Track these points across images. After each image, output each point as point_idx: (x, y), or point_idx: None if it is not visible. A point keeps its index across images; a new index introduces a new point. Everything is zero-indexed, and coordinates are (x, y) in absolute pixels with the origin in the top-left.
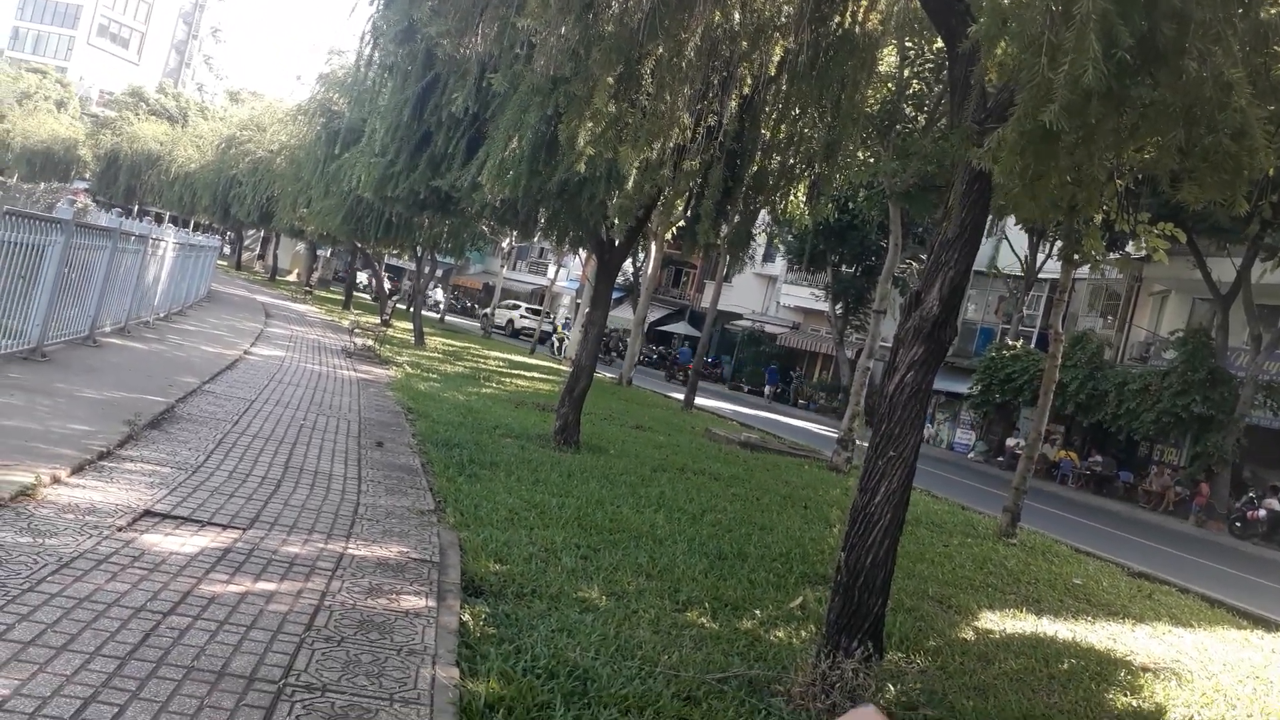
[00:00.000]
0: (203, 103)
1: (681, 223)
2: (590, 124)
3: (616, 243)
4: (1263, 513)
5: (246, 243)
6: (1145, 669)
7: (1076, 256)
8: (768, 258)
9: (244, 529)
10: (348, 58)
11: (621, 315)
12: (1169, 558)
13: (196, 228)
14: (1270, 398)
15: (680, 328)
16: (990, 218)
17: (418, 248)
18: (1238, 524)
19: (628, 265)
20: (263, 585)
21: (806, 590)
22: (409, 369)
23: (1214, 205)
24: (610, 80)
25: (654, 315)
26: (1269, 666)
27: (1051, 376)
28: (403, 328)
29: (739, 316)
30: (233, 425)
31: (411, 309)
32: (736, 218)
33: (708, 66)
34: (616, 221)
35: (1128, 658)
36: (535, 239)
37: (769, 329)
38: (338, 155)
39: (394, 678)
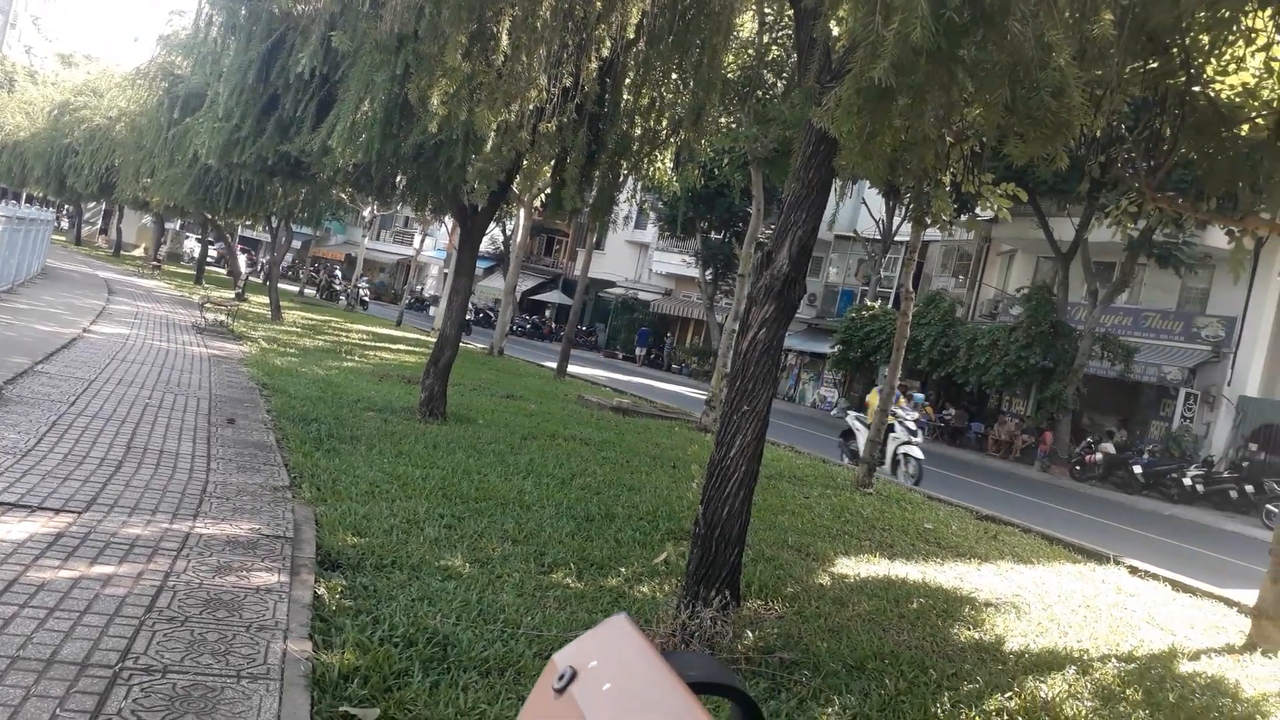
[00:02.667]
0: (31, 67)
1: (547, 189)
2: (443, 82)
3: (479, 209)
4: (1099, 456)
5: (87, 216)
6: (988, 604)
7: (927, 219)
8: (639, 225)
9: (79, 512)
10: (189, 18)
11: (494, 285)
12: (1016, 501)
13: (29, 200)
14: (1106, 349)
15: (554, 296)
16: (843, 180)
17: (272, 218)
18: (1078, 467)
19: (498, 234)
20: (99, 569)
21: (670, 545)
22: (265, 344)
23: (1039, 161)
24: (462, 39)
25: (526, 284)
26: (1099, 595)
27: (903, 333)
28: (258, 301)
29: (612, 284)
30: (69, 406)
31: (267, 282)
32: (601, 183)
33: (564, 27)
34: (476, 186)
35: (972, 595)
36: (395, 207)
37: (642, 296)
38: (181, 121)
39: (242, 654)
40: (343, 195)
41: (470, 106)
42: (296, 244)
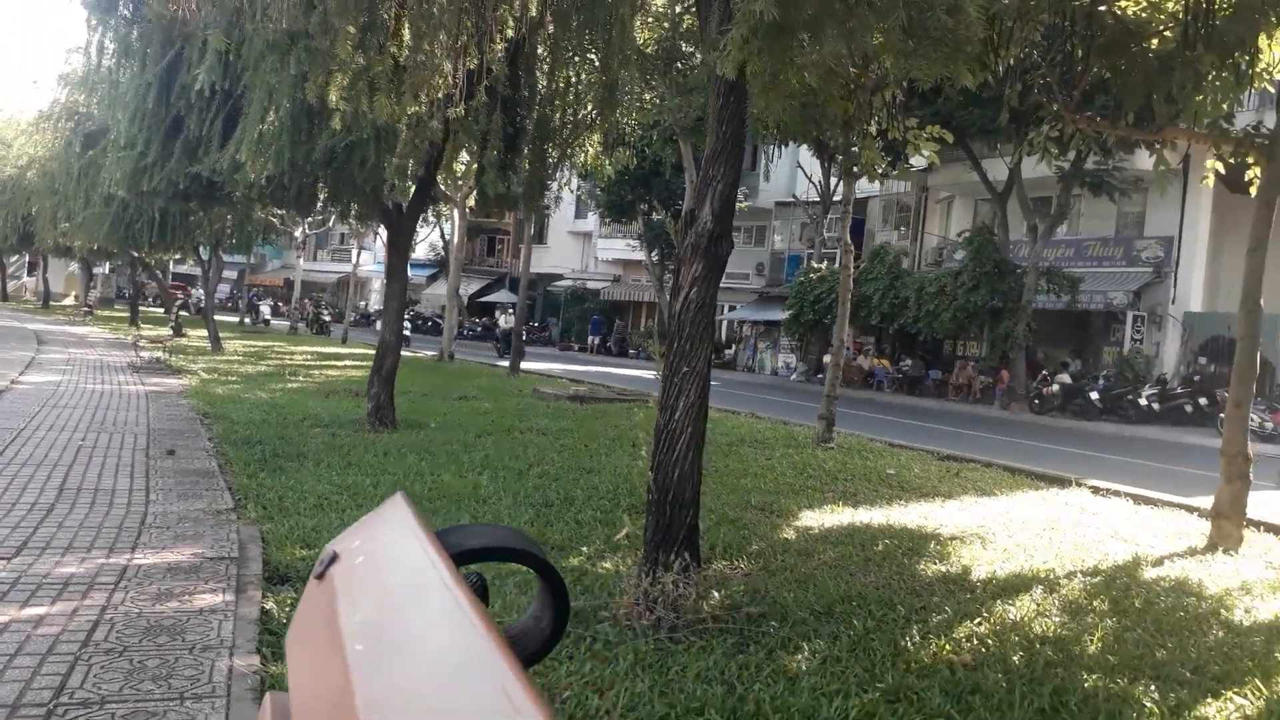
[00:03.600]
0: None
1: (475, 186)
2: (339, 78)
3: (404, 209)
4: (1056, 387)
5: (11, 270)
6: (953, 538)
7: (856, 169)
8: (580, 215)
9: (8, 558)
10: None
11: (439, 291)
12: (978, 440)
13: None
14: (1051, 282)
15: (501, 296)
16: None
17: (200, 248)
18: (1036, 401)
19: (437, 240)
20: (30, 611)
21: (628, 519)
22: (205, 375)
23: (946, 84)
24: (353, 30)
25: (473, 287)
26: (1062, 517)
27: (846, 286)
28: (198, 335)
29: (559, 277)
30: None
31: (204, 315)
32: (529, 170)
33: (462, 9)
34: (395, 183)
35: (937, 531)
36: (318, 218)
37: (591, 285)
38: (89, 158)
39: (185, 676)
40: (266, 215)
41: (370, 100)
42: (232, 274)
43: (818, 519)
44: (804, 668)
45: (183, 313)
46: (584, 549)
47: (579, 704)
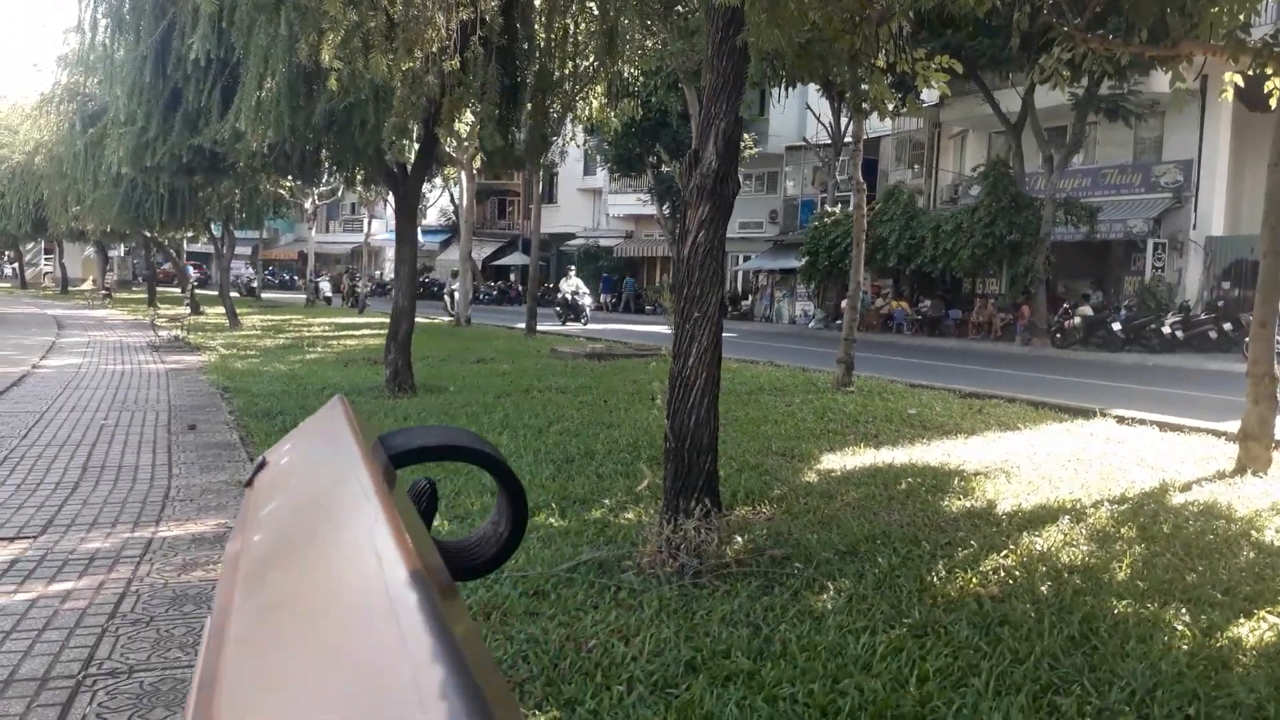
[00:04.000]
0: None
1: (475, 139)
2: (330, 36)
3: (408, 170)
4: (1077, 320)
5: (28, 258)
6: (977, 473)
7: (866, 106)
8: (588, 171)
9: (35, 536)
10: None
11: (452, 257)
12: (1000, 377)
13: None
14: (1069, 213)
15: (515, 259)
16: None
17: (210, 225)
18: (1058, 335)
19: (446, 205)
20: (58, 587)
21: (648, 469)
22: (224, 350)
23: (950, 8)
24: None
25: (486, 250)
26: (1087, 448)
27: (860, 227)
28: (215, 312)
29: (572, 236)
30: (20, 439)
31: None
32: (531, 124)
33: None
34: (394, 141)
35: (960, 467)
36: (323, 186)
37: (603, 243)
38: (95, 139)
39: None
40: (274, 186)
41: (365, 57)
42: (246, 250)
43: (839, 461)
44: (829, 607)
45: (199, 291)
46: (606, 501)
47: (605, 652)
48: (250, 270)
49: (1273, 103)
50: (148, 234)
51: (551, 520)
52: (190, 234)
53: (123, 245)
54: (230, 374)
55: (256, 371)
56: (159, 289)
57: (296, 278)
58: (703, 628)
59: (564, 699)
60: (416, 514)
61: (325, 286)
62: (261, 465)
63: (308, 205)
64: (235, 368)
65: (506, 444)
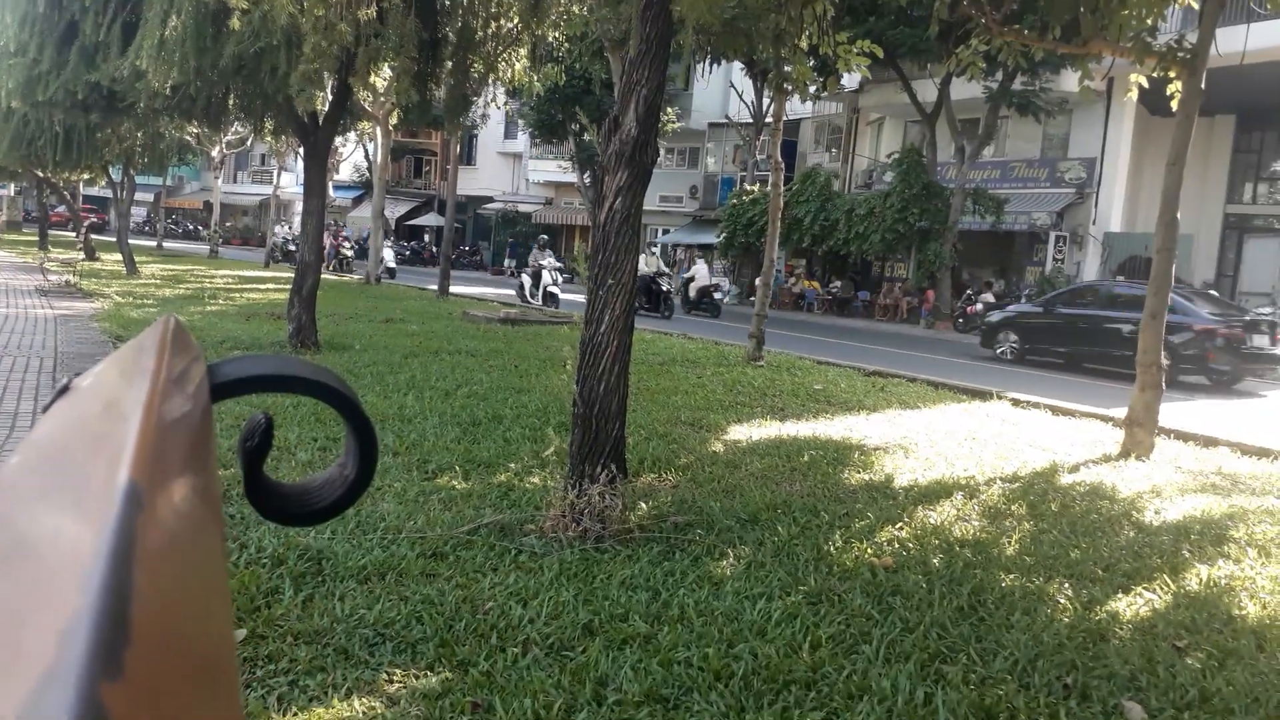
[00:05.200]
0: None
1: (392, 94)
2: None
3: (319, 122)
4: (980, 306)
5: None
6: (877, 449)
7: (787, 86)
8: (509, 135)
9: None
10: None
11: (365, 214)
12: (904, 357)
13: None
14: (978, 203)
15: (430, 219)
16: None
17: (109, 168)
18: (960, 320)
19: (361, 160)
20: None
21: (554, 434)
22: (118, 298)
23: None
24: None
25: (400, 209)
26: (983, 428)
27: (776, 205)
28: (111, 259)
29: (490, 199)
30: None
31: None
32: (451, 82)
33: None
34: (305, 89)
35: (861, 442)
36: (231, 135)
37: (522, 208)
38: None
39: None
40: (178, 132)
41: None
42: (148, 196)
43: (746, 433)
44: (728, 573)
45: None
46: (511, 465)
47: (502, 614)
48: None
49: (1173, 105)
50: (40, 174)
51: (455, 483)
52: (87, 176)
53: (13, 184)
54: (125, 322)
55: (151, 320)
56: (51, 232)
57: (201, 228)
58: (602, 591)
59: (457, 660)
60: (208, 441)
61: (388, 256)
62: (64, 390)
63: (215, 153)
64: (130, 316)
65: (412, 405)
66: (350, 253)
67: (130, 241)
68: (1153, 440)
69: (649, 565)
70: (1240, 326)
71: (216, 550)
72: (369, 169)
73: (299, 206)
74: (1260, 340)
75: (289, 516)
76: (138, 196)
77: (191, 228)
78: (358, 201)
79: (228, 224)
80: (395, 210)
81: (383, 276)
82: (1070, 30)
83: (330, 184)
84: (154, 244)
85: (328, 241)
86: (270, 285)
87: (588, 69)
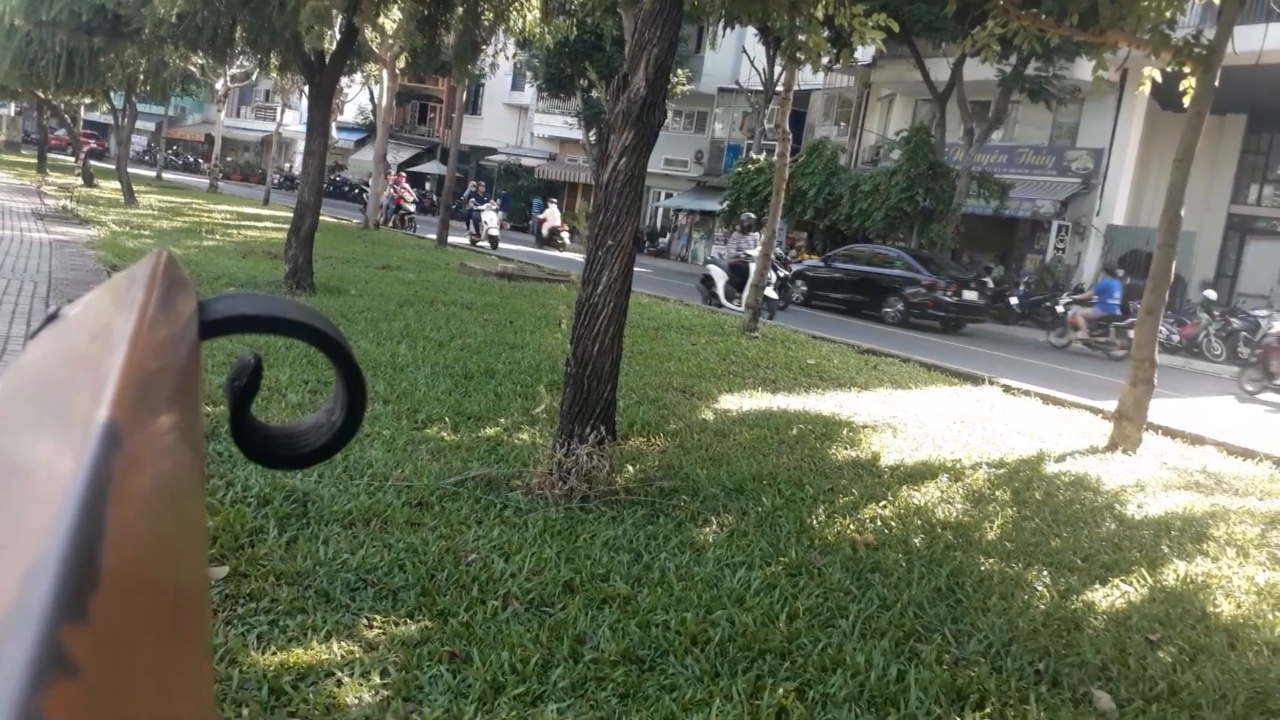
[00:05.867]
0: None
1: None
2: None
3: (326, 61)
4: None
5: None
6: (865, 426)
7: (800, 55)
8: (516, 86)
9: None
10: None
11: (367, 158)
12: (899, 337)
13: None
14: (983, 187)
15: (432, 167)
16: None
17: (111, 93)
18: None
19: (365, 103)
20: None
21: (545, 392)
22: (115, 227)
23: None
24: None
25: (403, 155)
26: (972, 412)
27: (781, 176)
28: (110, 186)
29: (493, 151)
30: None
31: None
32: (461, 29)
33: None
34: (313, 26)
35: (851, 419)
36: (236, 69)
37: (525, 162)
38: None
39: None
40: (182, 61)
41: None
42: (149, 125)
43: (736, 403)
44: (711, 540)
45: (95, 164)
46: (501, 420)
47: (484, 567)
48: (491, 208)
49: (1185, 101)
50: (41, 95)
51: (444, 434)
52: (89, 100)
53: (13, 104)
54: (120, 252)
55: (147, 251)
56: (50, 156)
57: (201, 161)
58: (584, 551)
59: (437, 610)
60: (194, 379)
61: (490, 219)
62: (52, 317)
63: (219, 86)
64: (126, 246)
65: (404, 354)
66: (413, 207)
67: (130, 170)
68: (1140, 435)
69: (633, 528)
70: (955, 284)
71: (195, 491)
72: (373, 112)
73: (301, 145)
74: (969, 295)
75: (274, 459)
76: (139, 125)
77: (192, 160)
78: (360, 144)
79: (228, 159)
80: (397, 156)
81: (484, 246)
82: (1088, 18)
83: (334, 125)
84: (153, 174)
85: (386, 193)
86: (268, 223)
87: (599, 24)
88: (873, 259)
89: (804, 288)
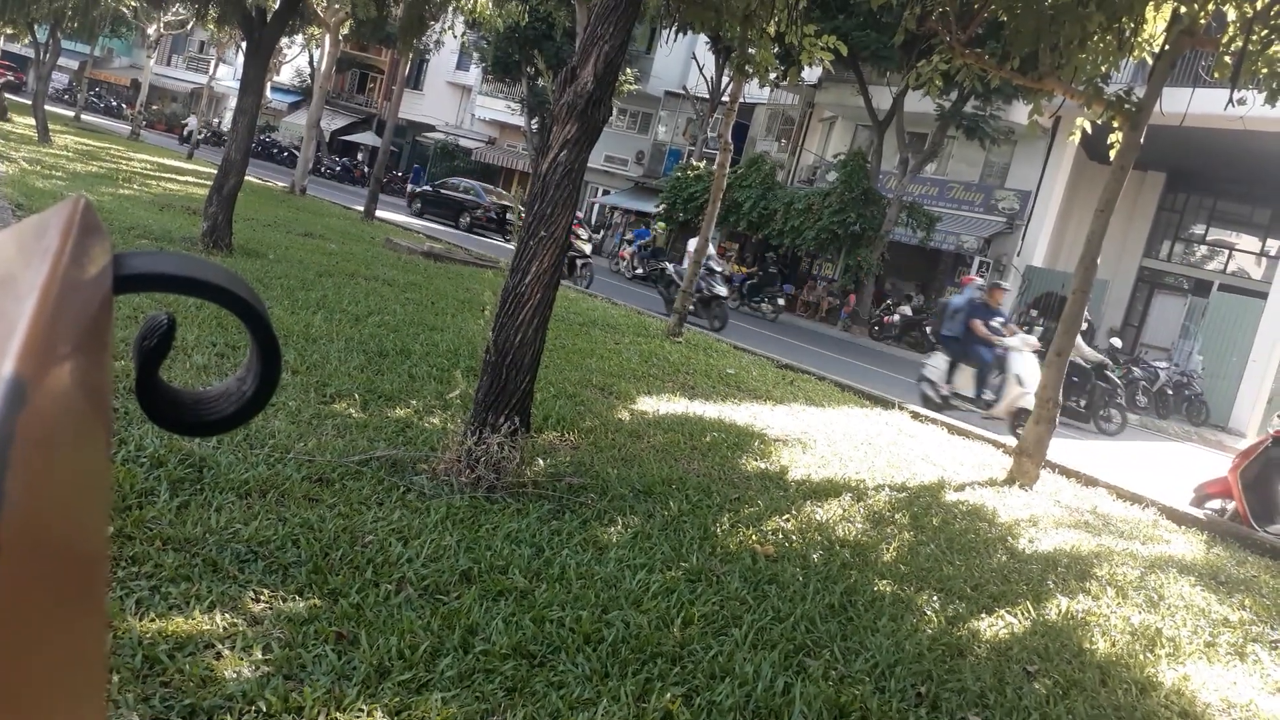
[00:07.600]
0: None
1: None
2: None
3: (267, 18)
4: (896, 318)
5: None
6: (777, 439)
7: (749, 68)
8: (461, 66)
9: None
10: None
11: (299, 121)
12: (818, 355)
13: None
14: (911, 217)
15: (367, 138)
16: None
17: (34, 26)
18: (876, 328)
19: (304, 65)
20: None
21: (461, 377)
22: (26, 165)
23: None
24: None
25: (337, 123)
26: (880, 435)
27: (719, 185)
28: (24, 123)
29: (432, 128)
30: None
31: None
32: (409, 1)
33: None
34: None
35: (763, 431)
36: (172, 15)
37: (464, 143)
38: None
39: None
40: (115, 1)
41: None
42: (72, 63)
43: (654, 405)
44: (614, 541)
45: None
46: (413, 402)
47: (380, 549)
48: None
49: (1111, 154)
50: None
51: (352, 411)
52: (9, 31)
53: None
54: (28, 191)
55: (59, 195)
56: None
57: (125, 105)
58: (486, 541)
59: (329, 589)
60: (105, 335)
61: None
62: None
63: (151, 31)
64: (36, 186)
65: (319, 325)
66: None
67: (47, 108)
68: (1038, 472)
69: (537, 522)
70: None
71: (100, 451)
72: (311, 76)
73: (231, 102)
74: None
75: (180, 424)
76: (61, 62)
77: (115, 104)
78: (294, 107)
79: (154, 107)
80: (332, 123)
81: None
82: (1029, 63)
83: (269, 85)
84: (72, 114)
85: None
86: (190, 178)
87: (552, 13)
88: (457, 188)
89: (420, 205)
